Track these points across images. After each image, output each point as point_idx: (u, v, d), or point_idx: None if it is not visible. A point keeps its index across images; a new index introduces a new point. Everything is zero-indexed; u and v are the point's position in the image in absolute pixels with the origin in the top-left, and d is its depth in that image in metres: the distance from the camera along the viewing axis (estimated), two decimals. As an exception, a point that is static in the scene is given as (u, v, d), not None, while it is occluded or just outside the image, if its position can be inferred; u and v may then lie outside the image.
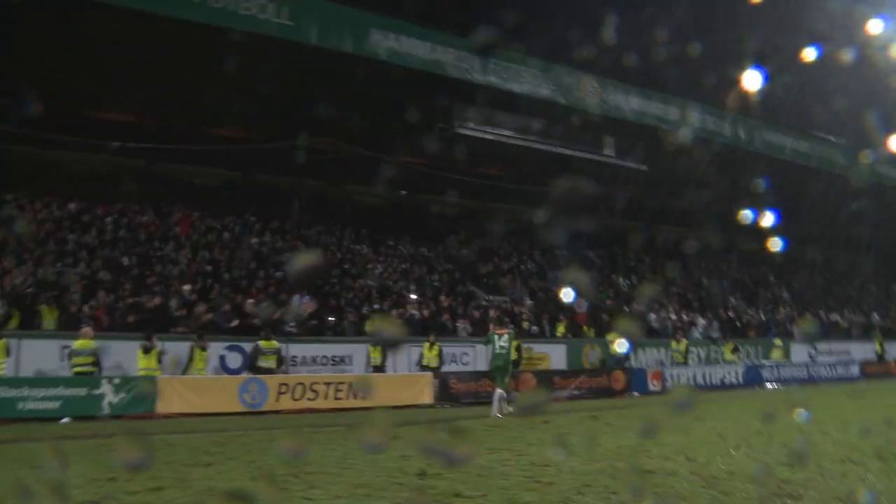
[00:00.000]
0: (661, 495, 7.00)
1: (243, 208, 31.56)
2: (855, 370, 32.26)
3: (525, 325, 27.47)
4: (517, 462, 9.19)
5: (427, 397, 21.23)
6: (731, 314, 34.48)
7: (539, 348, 26.45)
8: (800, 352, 33.22)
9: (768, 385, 28.37)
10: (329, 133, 30.56)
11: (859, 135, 38.65)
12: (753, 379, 28.40)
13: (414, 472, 8.28)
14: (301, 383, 19.92)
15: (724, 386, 27.04)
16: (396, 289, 29.05)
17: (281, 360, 20.70)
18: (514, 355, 19.42)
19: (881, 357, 34.57)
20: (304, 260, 3.20)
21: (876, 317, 41.06)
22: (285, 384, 19.67)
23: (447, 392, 21.66)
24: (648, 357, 28.71)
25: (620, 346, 24.71)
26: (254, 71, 26.32)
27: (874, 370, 32.76)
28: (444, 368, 23.65)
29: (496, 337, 18.26)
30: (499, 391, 17.43)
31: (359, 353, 23.14)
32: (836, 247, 45.18)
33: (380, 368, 22.63)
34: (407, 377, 21.93)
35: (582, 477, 7.82)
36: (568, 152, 32.16)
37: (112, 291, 22.81)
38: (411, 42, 27.60)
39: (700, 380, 26.89)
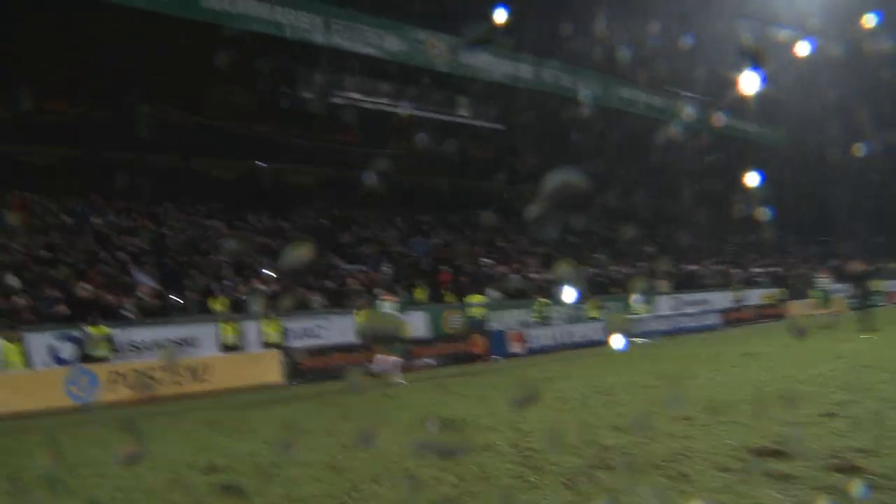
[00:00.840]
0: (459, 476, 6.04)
1: (85, 188, 29.42)
2: (716, 318, 32.40)
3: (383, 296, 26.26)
4: (323, 445, 8.14)
5: (275, 375, 19.86)
6: (596, 270, 34.06)
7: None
8: (664, 305, 33.24)
9: (636, 340, 27.97)
10: (170, 103, 28.96)
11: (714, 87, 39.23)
12: (619, 334, 27.98)
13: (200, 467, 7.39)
14: (136, 370, 18.24)
15: (589, 344, 26.47)
16: (250, 263, 27.47)
17: (114, 348, 18.93)
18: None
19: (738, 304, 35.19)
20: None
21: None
22: (118, 373, 17.95)
23: (297, 369, 20.29)
24: (511, 319, 27.86)
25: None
26: (84, 38, 24.75)
27: (731, 318, 33.13)
28: (298, 343, 22.40)
29: (384, 304, 18.54)
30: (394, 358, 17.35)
31: (206, 334, 21.51)
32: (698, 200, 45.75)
33: (232, 348, 21.13)
34: (252, 356, 20.47)
35: (383, 460, 6.86)
36: (422, 114, 30.86)
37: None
38: (247, 3, 25.84)
39: (560, 339, 26.27)
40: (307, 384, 19.74)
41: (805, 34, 37.78)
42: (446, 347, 23.39)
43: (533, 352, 25.01)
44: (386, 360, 17.22)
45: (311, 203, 34.63)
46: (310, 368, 20.56)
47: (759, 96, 39.72)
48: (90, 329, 18.60)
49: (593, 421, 8.44)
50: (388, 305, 18.41)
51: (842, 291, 39.77)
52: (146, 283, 23.17)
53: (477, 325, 25.12)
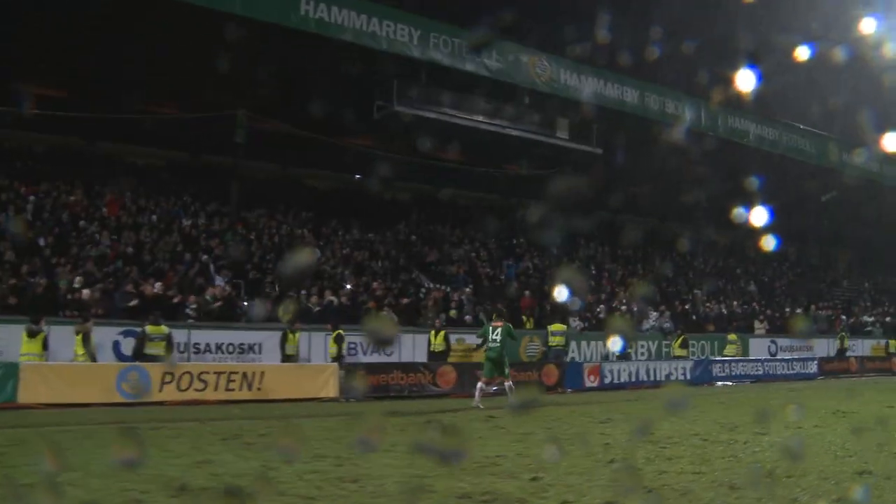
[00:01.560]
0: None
1: (183, 190, 29.53)
2: (814, 367, 30.03)
3: (453, 313, 25.24)
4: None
5: (331, 390, 19.06)
6: (687, 306, 32.21)
7: (473, 339, 24.19)
8: (759, 347, 31.16)
9: (718, 383, 26.19)
10: (271, 113, 28.73)
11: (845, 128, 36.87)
12: (703, 376, 26.18)
13: (176, 486, 7.03)
14: (188, 372, 17.74)
15: (669, 382, 24.85)
16: (332, 274, 26.92)
17: (171, 347, 18.48)
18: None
19: (842, 353, 32.49)
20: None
21: (842, 315, 38.79)
22: (170, 373, 17.46)
23: (354, 385, 19.42)
24: (592, 350, 26.41)
25: (614, 344, 23.66)
26: (186, 44, 24.67)
27: (833, 367, 30.63)
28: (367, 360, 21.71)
29: (490, 329, 17.93)
30: (507, 383, 17.59)
31: (270, 341, 20.95)
32: (810, 240, 43.29)
33: (293, 358, 20.50)
34: (310, 367, 19.75)
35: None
36: (519, 133, 29.74)
37: (14, 273, 20.82)
38: (344, 13, 25.34)
39: (643, 376, 24.66)
40: (362, 402, 18.93)
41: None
42: (517, 376, 22.03)
43: (607, 387, 23.48)
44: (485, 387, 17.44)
45: (405, 219, 33.97)
46: (368, 385, 19.61)
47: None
48: (148, 327, 18.13)
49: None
50: (495, 330, 17.80)
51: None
52: (221, 286, 22.79)
53: (556, 355, 23.73)
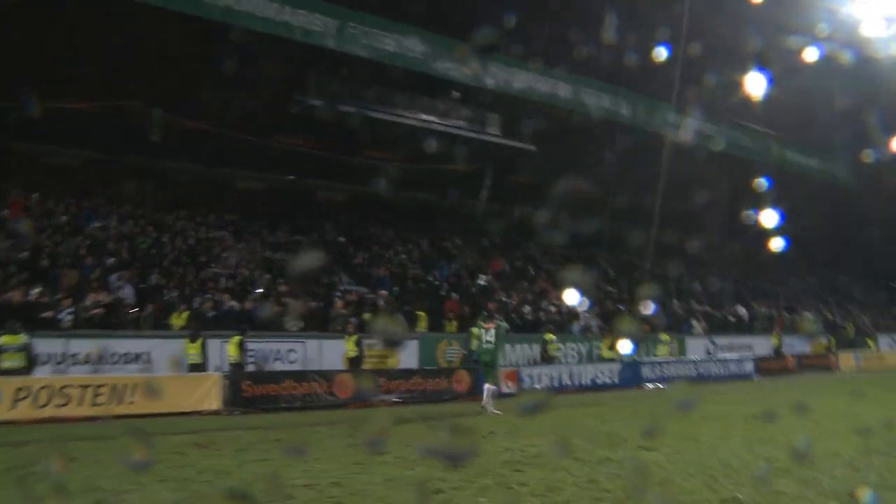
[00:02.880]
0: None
1: (98, 192, 27.29)
2: (750, 367, 28.16)
3: (367, 317, 23.12)
4: None
5: (213, 402, 16.92)
6: (620, 306, 30.24)
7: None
8: (696, 347, 29.30)
9: (648, 385, 24.28)
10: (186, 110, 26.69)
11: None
12: (631, 379, 24.23)
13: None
14: (47, 387, 15.52)
15: (595, 386, 22.89)
16: (250, 277, 24.80)
17: (31, 359, 16.23)
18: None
19: (778, 352, 30.71)
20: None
21: (784, 311, 37.04)
22: (25, 388, 15.25)
23: (239, 396, 17.27)
24: (519, 354, 24.40)
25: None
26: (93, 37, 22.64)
27: (770, 367, 28.79)
28: (268, 367, 19.59)
29: (483, 331, 17.41)
30: (490, 386, 16.64)
31: (159, 350, 18.78)
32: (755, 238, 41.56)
33: (199, 367, 18.34)
34: (190, 379, 17.50)
35: None
36: (446, 129, 27.77)
37: None
38: (253, 1, 23.24)
39: (566, 380, 22.66)
40: (249, 414, 16.80)
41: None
42: (424, 383, 19.98)
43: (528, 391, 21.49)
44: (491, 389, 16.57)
45: (334, 219, 31.87)
46: (254, 396, 17.43)
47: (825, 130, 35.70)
48: (3, 338, 15.88)
49: None
50: (487, 332, 17.21)
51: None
52: (116, 291, 20.58)
53: (475, 361, 21.61)
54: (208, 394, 17.03)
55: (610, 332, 26.23)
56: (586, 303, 25.80)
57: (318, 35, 24.34)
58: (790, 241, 40.35)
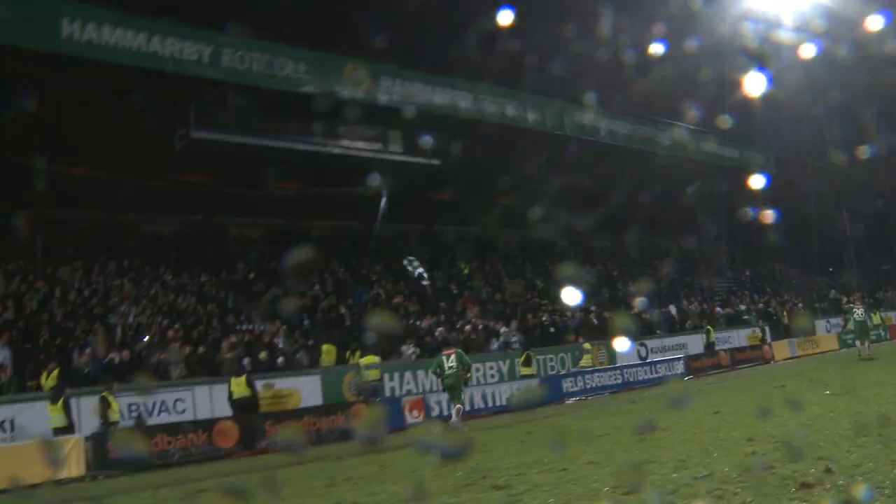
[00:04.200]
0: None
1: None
2: (680, 367, 26.67)
3: (263, 356, 21.31)
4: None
5: (74, 468, 15.00)
6: (544, 318, 28.61)
7: (285, 383, 20.29)
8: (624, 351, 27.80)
9: (570, 400, 22.66)
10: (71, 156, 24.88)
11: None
12: (552, 394, 22.51)
13: None
14: None
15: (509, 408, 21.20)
16: (146, 325, 22.93)
17: None
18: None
19: (710, 347, 29.31)
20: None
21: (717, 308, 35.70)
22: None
23: (105, 458, 15.36)
24: (431, 381, 22.52)
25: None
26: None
27: (701, 365, 27.35)
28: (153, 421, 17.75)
29: (444, 358, 17.82)
30: (457, 406, 17.54)
31: (24, 415, 16.86)
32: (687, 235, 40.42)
33: (65, 430, 16.39)
34: (43, 444, 15.48)
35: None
36: (342, 152, 26.15)
37: None
38: (117, 33, 21.46)
39: (479, 403, 20.97)
40: (116, 477, 14.94)
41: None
42: (317, 421, 18.13)
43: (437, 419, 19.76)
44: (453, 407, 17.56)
45: (248, 257, 30.05)
46: (123, 457, 15.52)
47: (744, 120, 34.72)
48: None
49: None
50: (449, 357, 17.74)
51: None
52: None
53: (372, 391, 19.88)
54: (68, 459, 15.10)
55: (526, 346, 24.67)
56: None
57: (192, 64, 22.61)
58: (722, 233, 39.70)
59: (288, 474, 11.78)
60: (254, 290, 27.16)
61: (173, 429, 16.62)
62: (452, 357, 17.71)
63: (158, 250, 28.96)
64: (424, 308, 28.07)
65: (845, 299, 39.59)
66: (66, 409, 16.46)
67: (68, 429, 16.42)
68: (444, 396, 19.63)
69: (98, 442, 15.57)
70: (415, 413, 19.65)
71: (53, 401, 16.57)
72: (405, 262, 30.32)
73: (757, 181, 36.58)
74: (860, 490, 6.05)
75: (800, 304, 39.31)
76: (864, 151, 36.81)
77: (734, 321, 34.42)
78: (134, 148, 25.14)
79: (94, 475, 15.16)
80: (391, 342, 23.29)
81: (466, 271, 32.64)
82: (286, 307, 26.06)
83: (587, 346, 25.61)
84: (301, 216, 32.30)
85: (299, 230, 32.86)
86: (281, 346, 22.54)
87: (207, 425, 16.89)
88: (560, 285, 29.72)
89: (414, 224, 34.59)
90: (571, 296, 24.91)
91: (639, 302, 31.02)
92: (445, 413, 19.65)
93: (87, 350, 19.97)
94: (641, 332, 29.01)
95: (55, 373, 18.05)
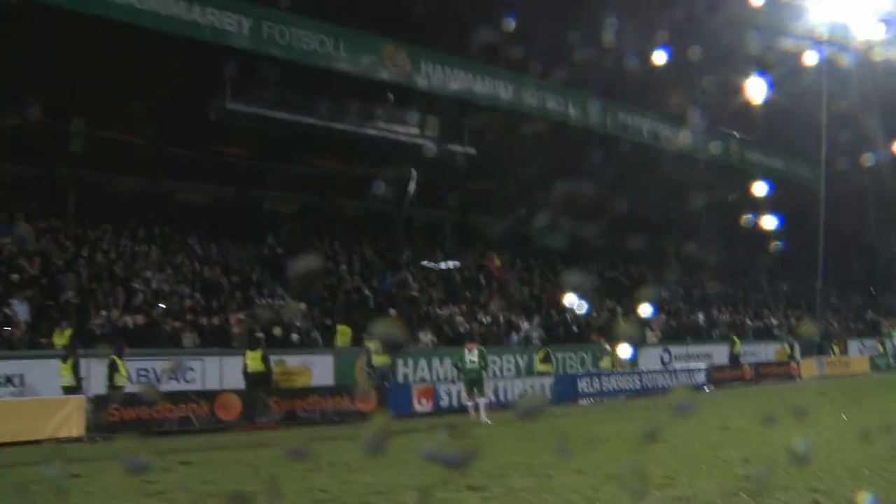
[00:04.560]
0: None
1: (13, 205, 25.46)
2: (702, 377, 26.00)
3: (278, 331, 21.10)
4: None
5: (74, 428, 14.95)
6: (567, 315, 28.06)
7: (295, 360, 20.11)
8: (650, 357, 27.18)
9: (582, 401, 22.17)
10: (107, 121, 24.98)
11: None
12: (565, 393, 22.07)
13: None
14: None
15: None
16: (173, 291, 22.91)
17: None
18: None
19: (736, 360, 28.50)
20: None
21: (747, 320, 34.79)
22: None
23: (105, 421, 15.28)
24: (447, 369, 22.17)
25: (624, 351, 22.35)
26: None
27: (724, 376, 26.64)
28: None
29: (466, 352, 17.80)
30: (482, 400, 17.48)
31: (34, 371, 16.84)
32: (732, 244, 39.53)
33: (73, 390, 16.37)
34: (44, 403, 15.53)
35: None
36: (377, 133, 25.87)
37: None
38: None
39: (490, 397, 20.51)
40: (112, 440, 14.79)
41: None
42: (322, 401, 17.93)
43: (443, 411, 19.41)
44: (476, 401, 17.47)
45: (280, 232, 29.91)
46: (123, 421, 15.44)
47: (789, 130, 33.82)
48: None
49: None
50: (470, 352, 17.72)
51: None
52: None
53: (381, 376, 19.60)
54: (68, 419, 15.06)
55: (546, 342, 24.20)
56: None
57: (231, 35, 22.44)
58: (763, 245, 38.71)
59: (276, 454, 11.57)
60: (281, 265, 27.09)
61: (176, 397, 16.51)
62: (475, 351, 17.69)
63: (191, 219, 29.08)
64: (449, 297, 27.73)
65: (885, 323, 38.53)
66: (75, 369, 16.46)
67: (76, 389, 16.43)
68: (455, 387, 19.36)
69: (98, 404, 15.51)
70: (423, 401, 19.36)
71: (64, 360, 16.59)
72: (426, 262, 29.85)
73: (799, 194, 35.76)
74: None
75: (834, 324, 38.23)
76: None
77: (763, 335, 33.55)
78: (171, 116, 25.23)
79: (91, 437, 15.10)
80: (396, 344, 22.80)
81: (498, 263, 32.20)
82: (309, 284, 25.91)
83: (607, 347, 25.09)
84: (335, 194, 32.20)
85: (332, 208, 32.74)
86: (298, 323, 22.33)
87: (211, 396, 16.76)
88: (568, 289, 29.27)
89: (448, 211, 34.20)
90: (575, 302, 24.21)
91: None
92: (455, 404, 19.36)
93: (103, 312, 19.94)
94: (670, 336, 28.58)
95: (68, 332, 18.03)
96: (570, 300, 23.98)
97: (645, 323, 28.14)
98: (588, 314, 29.05)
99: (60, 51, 22.32)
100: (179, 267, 24.98)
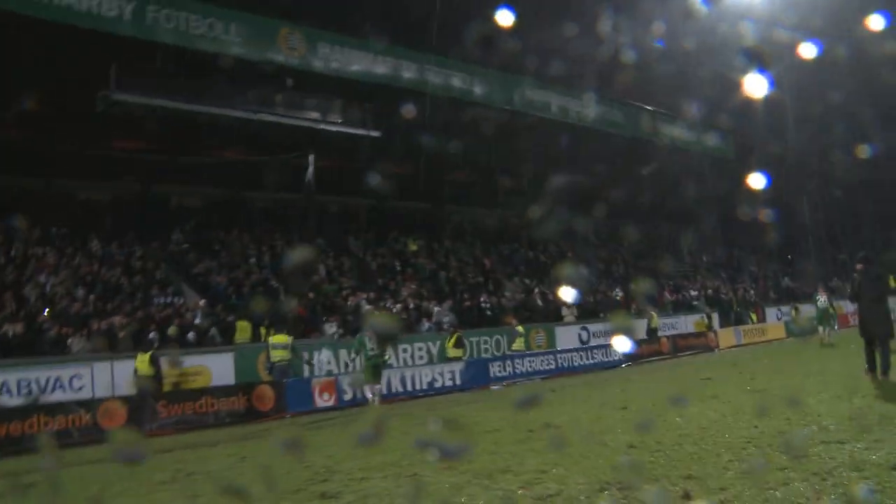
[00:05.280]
0: None
1: None
2: (618, 353, 25.48)
3: (172, 331, 19.92)
4: None
5: None
6: (483, 300, 27.33)
7: (193, 361, 18.93)
8: (568, 337, 26.61)
9: (494, 386, 21.46)
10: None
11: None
12: (476, 378, 21.34)
13: None
14: None
15: (432, 390, 20.03)
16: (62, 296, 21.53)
17: None
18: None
19: (653, 333, 28.07)
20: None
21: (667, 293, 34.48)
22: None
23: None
24: (342, 362, 21.21)
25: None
26: None
27: (640, 352, 26.19)
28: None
29: (367, 339, 17.21)
30: (377, 386, 17.31)
31: None
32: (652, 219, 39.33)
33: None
34: None
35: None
36: (276, 119, 24.73)
37: None
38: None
39: (397, 386, 19.73)
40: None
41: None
42: (216, 402, 16.88)
43: (348, 404, 18.49)
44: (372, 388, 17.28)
45: (186, 227, 28.60)
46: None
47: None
48: None
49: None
50: (371, 339, 17.16)
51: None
52: None
53: (280, 372, 18.53)
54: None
55: (456, 328, 23.40)
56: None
57: (111, 21, 21.02)
58: (681, 217, 38.58)
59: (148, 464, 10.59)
60: (185, 262, 25.87)
61: (54, 409, 15.21)
62: (375, 339, 17.01)
63: (92, 218, 27.70)
64: (363, 285, 26.80)
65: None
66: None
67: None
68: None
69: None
70: (325, 396, 18.40)
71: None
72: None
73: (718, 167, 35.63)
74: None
75: (752, 291, 38.27)
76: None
77: (682, 307, 33.30)
78: (59, 110, 23.79)
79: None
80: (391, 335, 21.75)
81: (414, 248, 31.36)
82: (215, 281, 24.78)
83: (520, 328, 24.32)
84: (244, 186, 31.02)
85: (241, 201, 31.56)
86: (197, 321, 21.13)
87: (92, 405, 15.52)
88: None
89: (363, 198, 33.17)
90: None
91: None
92: (359, 397, 18.46)
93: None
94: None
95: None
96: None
97: (561, 302, 27.55)
98: (503, 295, 28.43)
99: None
100: (76, 269, 23.62)
